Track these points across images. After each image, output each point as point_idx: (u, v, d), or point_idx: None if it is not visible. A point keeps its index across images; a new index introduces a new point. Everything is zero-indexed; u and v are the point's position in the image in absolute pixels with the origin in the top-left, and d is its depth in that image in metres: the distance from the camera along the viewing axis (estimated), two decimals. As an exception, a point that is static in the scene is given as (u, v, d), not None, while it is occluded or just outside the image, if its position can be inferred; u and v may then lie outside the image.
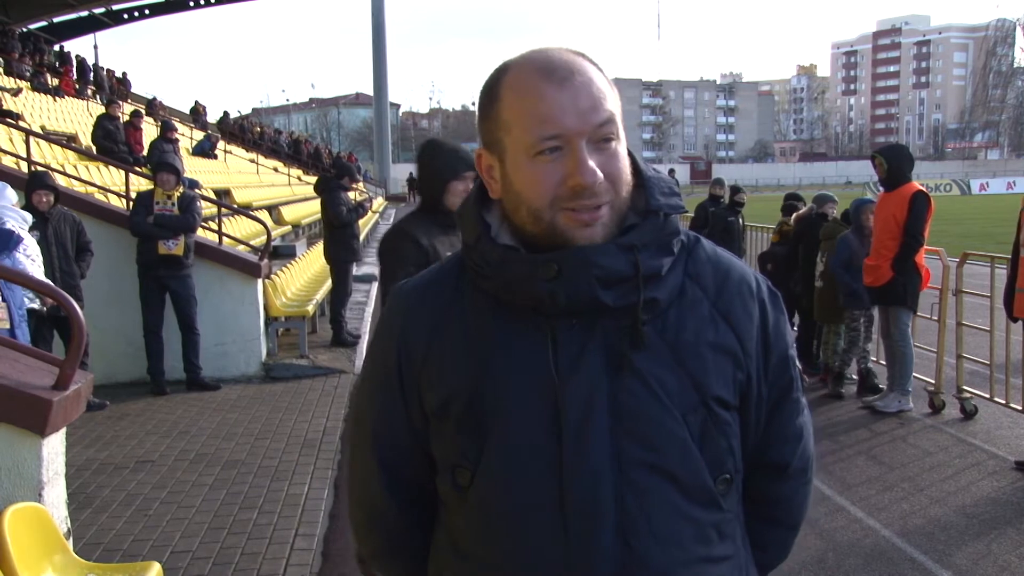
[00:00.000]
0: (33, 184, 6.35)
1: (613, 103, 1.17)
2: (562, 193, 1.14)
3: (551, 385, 1.16)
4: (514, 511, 1.18)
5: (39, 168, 7.52)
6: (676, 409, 1.17)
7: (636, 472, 1.16)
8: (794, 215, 8.24)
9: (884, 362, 6.90)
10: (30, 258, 5.77)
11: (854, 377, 7.15)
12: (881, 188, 6.57)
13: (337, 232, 9.18)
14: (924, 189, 6.41)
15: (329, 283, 9.68)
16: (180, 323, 7.28)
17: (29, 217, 5.97)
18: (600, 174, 1.13)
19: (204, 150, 19.23)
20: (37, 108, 15.52)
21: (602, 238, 1.16)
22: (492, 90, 1.19)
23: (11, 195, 5.93)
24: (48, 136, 11.84)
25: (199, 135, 21.79)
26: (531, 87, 1.14)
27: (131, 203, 7.43)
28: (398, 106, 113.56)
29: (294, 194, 22.32)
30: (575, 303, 1.15)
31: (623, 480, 1.15)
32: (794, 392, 1.30)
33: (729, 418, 1.22)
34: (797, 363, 1.32)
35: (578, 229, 1.15)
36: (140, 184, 9.70)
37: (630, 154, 1.23)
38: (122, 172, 9.27)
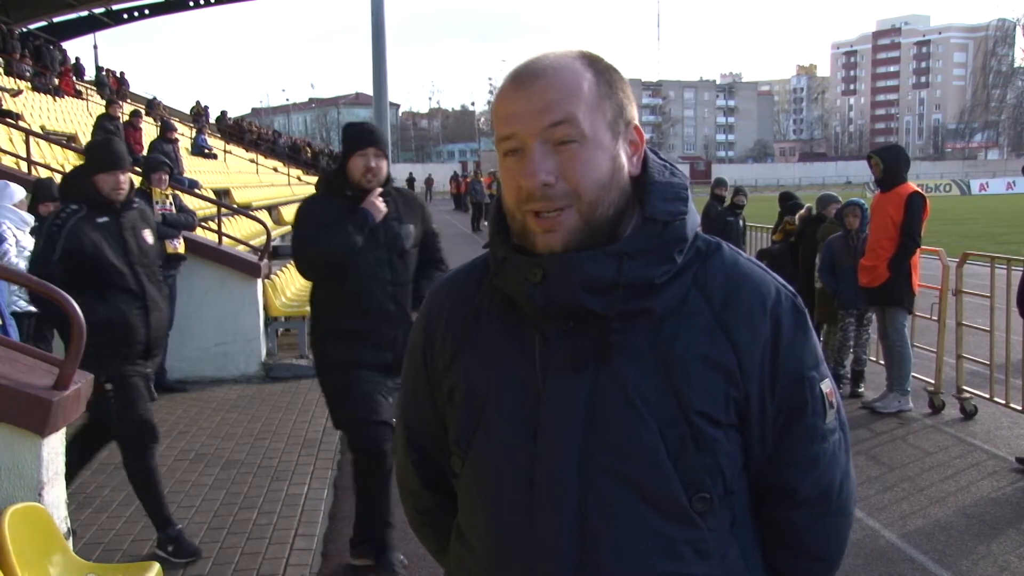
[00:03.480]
0: (41, 195, 6.35)
1: (586, 104, 1.15)
2: (521, 196, 1.16)
3: (535, 385, 1.19)
4: (489, 503, 1.22)
5: (46, 177, 7.51)
6: (653, 421, 1.15)
7: (602, 479, 1.15)
8: (798, 214, 8.27)
9: (883, 362, 6.90)
10: (27, 261, 5.77)
11: (849, 377, 7.17)
12: (877, 188, 6.59)
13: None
14: (920, 190, 6.42)
15: (329, 283, 9.66)
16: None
17: (30, 219, 5.97)
18: (544, 176, 1.13)
19: (199, 147, 19.24)
20: (37, 108, 15.52)
21: (562, 244, 1.15)
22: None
23: (13, 194, 5.94)
24: (48, 136, 11.84)
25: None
26: (501, 93, 1.20)
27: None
28: (398, 106, 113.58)
29: (294, 194, 22.32)
30: (555, 307, 1.16)
31: (588, 486, 1.15)
32: (809, 416, 1.22)
33: (719, 436, 1.17)
34: (822, 387, 1.23)
35: (540, 234, 1.17)
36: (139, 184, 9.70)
37: (645, 156, 1.22)
38: (122, 172, 9.26)
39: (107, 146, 4.08)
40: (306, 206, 3.73)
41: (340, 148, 3.84)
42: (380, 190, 3.59)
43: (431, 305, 1.35)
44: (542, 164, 1.14)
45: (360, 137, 3.58)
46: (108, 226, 3.96)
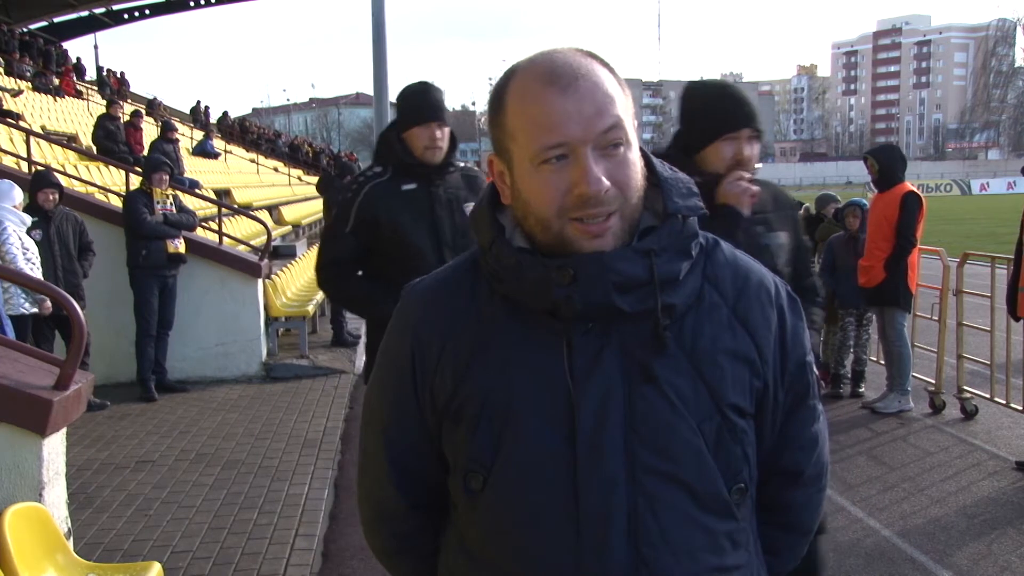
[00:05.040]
0: (39, 183, 6.37)
1: (622, 107, 1.14)
2: (568, 203, 1.12)
3: (566, 390, 1.15)
4: (527, 516, 1.17)
5: (42, 167, 7.53)
6: (691, 417, 1.15)
7: (650, 480, 1.14)
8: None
9: (883, 362, 6.90)
10: (29, 262, 5.78)
11: (849, 377, 7.17)
12: (874, 189, 6.60)
13: (338, 232, 9.18)
14: (915, 190, 6.42)
15: (329, 283, 9.66)
16: (162, 323, 7.26)
17: (28, 219, 5.98)
18: (606, 182, 1.11)
19: (205, 150, 19.24)
20: (38, 108, 15.51)
21: (611, 248, 1.14)
22: (499, 96, 1.18)
23: (18, 195, 5.97)
24: (48, 136, 11.84)
25: (200, 135, 21.81)
26: (534, 94, 1.12)
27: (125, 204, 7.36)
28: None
29: (294, 194, 22.32)
30: (591, 308, 1.13)
31: (636, 488, 1.14)
32: (810, 399, 1.28)
33: (745, 426, 1.20)
34: (815, 369, 1.30)
35: (587, 240, 1.13)
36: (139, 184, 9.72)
37: (644, 155, 1.21)
38: (122, 172, 9.28)
39: (421, 93, 3.11)
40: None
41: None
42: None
43: (416, 316, 1.27)
44: (598, 170, 1.11)
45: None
46: (415, 195, 3.09)
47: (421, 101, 3.07)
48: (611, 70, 1.17)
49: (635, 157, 1.16)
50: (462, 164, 3.24)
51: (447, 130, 3.11)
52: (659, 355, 1.15)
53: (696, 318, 1.18)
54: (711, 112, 2.41)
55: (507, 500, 1.18)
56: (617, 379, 1.15)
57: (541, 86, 1.12)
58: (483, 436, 1.18)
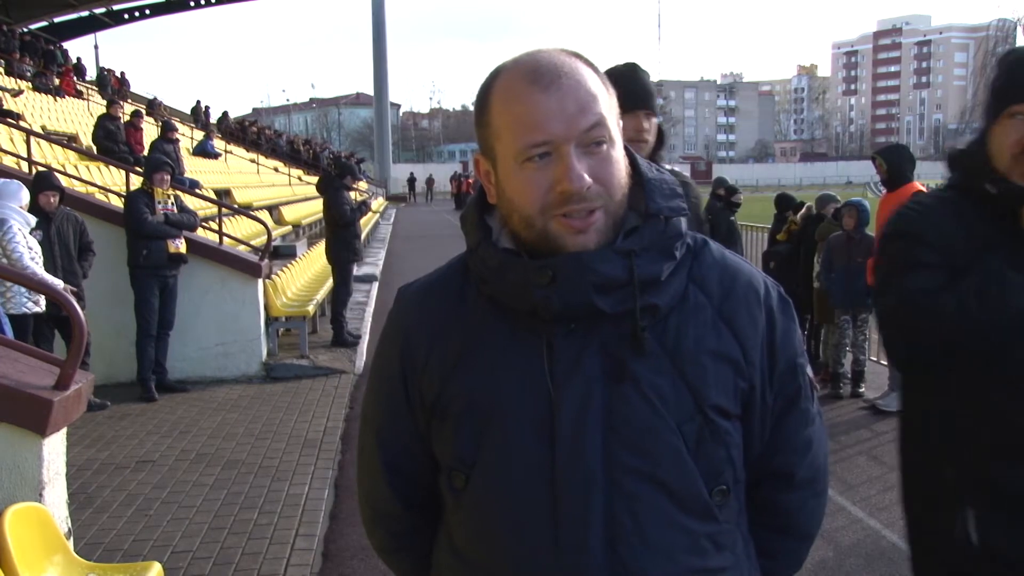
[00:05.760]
0: (40, 185, 6.36)
1: (605, 105, 1.15)
2: (551, 200, 1.12)
3: (546, 391, 1.16)
4: (507, 516, 1.18)
5: (44, 168, 7.53)
6: (671, 418, 1.15)
7: (628, 481, 1.15)
8: (799, 213, 8.29)
9: (885, 361, 6.90)
10: (34, 260, 5.79)
11: (849, 377, 7.17)
12: (883, 189, 6.59)
13: (340, 231, 9.20)
14: (925, 189, 6.41)
15: (329, 283, 9.68)
16: (163, 323, 7.26)
17: (32, 220, 5.99)
18: (588, 179, 1.12)
19: (205, 150, 19.25)
20: (38, 108, 15.52)
21: (595, 244, 1.14)
22: (484, 96, 1.19)
23: (25, 196, 5.97)
24: (49, 136, 11.84)
25: (200, 135, 21.82)
26: (517, 93, 1.14)
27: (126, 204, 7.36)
28: (398, 106, 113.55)
29: (295, 194, 22.34)
30: (570, 309, 1.14)
31: (614, 489, 1.14)
32: (802, 402, 1.27)
33: (729, 427, 1.19)
34: (808, 373, 1.28)
35: (570, 236, 1.14)
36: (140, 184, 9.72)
37: (630, 155, 1.21)
38: (122, 172, 9.28)
39: (629, 76, 2.52)
40: (911, 216, 1.92)
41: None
42: None
43: (406, 318, 1.29)
44: (581, 167, 1.12)
45: None
46: None
47: (628, 85, 2.37)
48: (595, 69, 1.18)
49: (619, 155, 1.16)
50: (668, 167, 2.38)
51: (655, 121, 2.59)
52: (639, 355, 1.15)
53: (680, 319, 1.18)
54: (999, 79, 1.79)
55: (487, 499, 1.20)
56: (597, 380, 1.15)
57: (525, 85, 1.13)
58: (466, 435, 1.20)
